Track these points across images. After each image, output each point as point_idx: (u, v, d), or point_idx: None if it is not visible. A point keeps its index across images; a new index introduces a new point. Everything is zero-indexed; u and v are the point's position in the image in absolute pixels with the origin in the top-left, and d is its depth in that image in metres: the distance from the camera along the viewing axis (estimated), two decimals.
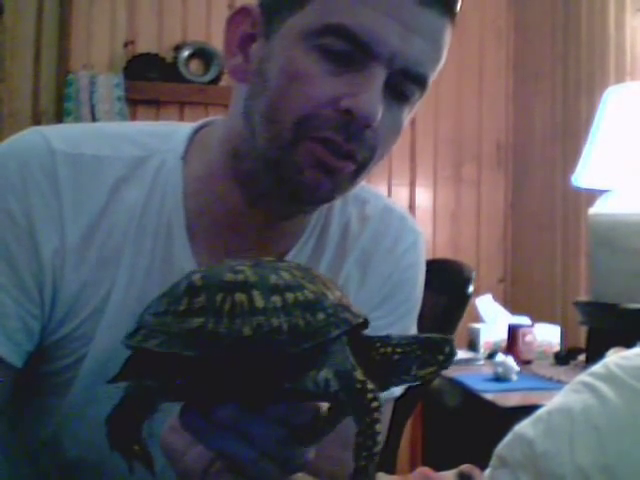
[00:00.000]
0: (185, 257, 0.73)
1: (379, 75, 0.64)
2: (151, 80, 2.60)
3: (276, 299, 0.49)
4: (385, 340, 0.53)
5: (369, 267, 0.82)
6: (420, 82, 0.68)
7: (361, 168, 0.69)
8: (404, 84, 0.67)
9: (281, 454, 0.53)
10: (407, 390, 0.87)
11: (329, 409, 0.54)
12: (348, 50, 0.63)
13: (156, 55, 2.63)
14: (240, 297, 0.49)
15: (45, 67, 2.57)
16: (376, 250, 0.83)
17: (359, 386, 0.49)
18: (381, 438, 0.49)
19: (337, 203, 0.81)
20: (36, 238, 0.68)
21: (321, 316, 0.49)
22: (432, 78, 0.69)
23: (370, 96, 0.63)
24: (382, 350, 0.52)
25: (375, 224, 0.83)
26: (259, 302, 0.49)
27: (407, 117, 0.71)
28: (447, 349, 0.52)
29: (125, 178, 0.72)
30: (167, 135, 0.77)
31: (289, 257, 0.77)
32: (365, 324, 0.53)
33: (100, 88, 2.51)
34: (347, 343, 0.51)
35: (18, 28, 2.54)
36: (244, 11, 0.70)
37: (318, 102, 0.64)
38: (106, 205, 0.71)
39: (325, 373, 0.49)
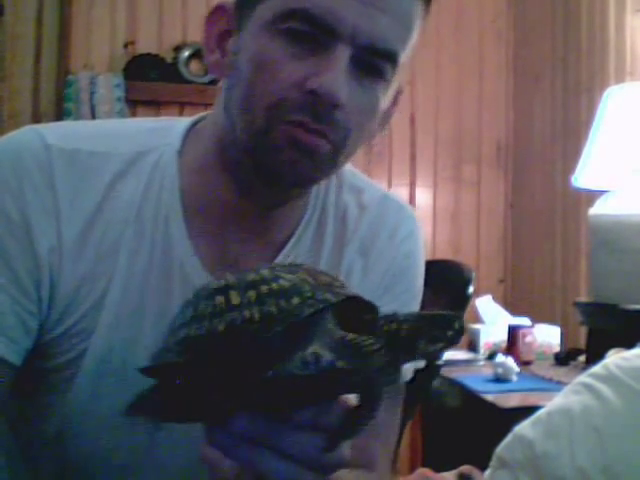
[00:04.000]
0: (184, 250, 0.73)
1: (342, 54, 0.65)
2: (151, 80, 2.60)
3: (251, 294, 0.51)
4: (390, 318, 0.53)
5: (370, 257, 0.82)
6: (390, 58, 0.68)
7: (339, 149, 0.69)
8: (373, 60, 0.67)
9: (318, 460, 0.51)
10: (407, 391, 0.87)
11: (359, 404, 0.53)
12: (311, 32, 0.64)
13: (156, 55, 2.63)
14: (219, 299, 0.51)
15: (45, 67, 2.57)
16: (376, 239, 0.83)
17: (352, 336, 0.49)
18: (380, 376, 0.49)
19: (332, 192, 0.82)
20: (32, 235, 0.68)
21: (296, 300, 0.50)
22: (404, 56, 0.69)
23: (333, 75, 0.64)
24: (386, 328, 0.52)
25: (373, 213, 0.83)
26: (235, 300, 0.51)
27: (384, 96, 0.70)
28: (456, 325, 0.52)
29: (122, 174, 0.72)
30: (164, 130, 0.77)
31: (289, 246, 0.78)
32: (357, 302, 0.53)
33: (100, 88, 2.51)
34: (336, 324, 0.51)
35: (18, 28, 2.54)
36: (220, 9, 0.72)
37: (285, 86, 0.65)
38: (103, 200, 0.71)
39: (313, 348, 0.49)
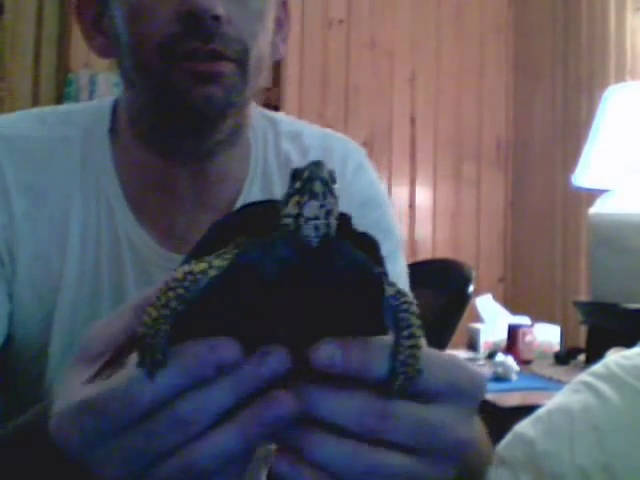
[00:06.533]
0: (130, 225, 0.74)
1: None
2: None
3: None
4: None
5: None
6: None
7: (243, 65, 0.68)
8: None
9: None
10: None
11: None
12: None
13: None
14: None
15: (45, 66, 2.57)
16: None
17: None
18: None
19: (271, 144, 0.81)
20: None
21: None
22: None
23: None
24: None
25: (316, 154, 0.82)
26: None
27: (266, 3, 0.70)
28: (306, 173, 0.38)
29: (59, 155, 0.74)
30: (92, 109, 0.79)
31: (239, 202, 0.77)
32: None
33: (100, 87, 2.51)
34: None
35: (18, 27, 2.54)
36: None
37: (165, 22, 0.65)
38: (45, 182, 0.73)
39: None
